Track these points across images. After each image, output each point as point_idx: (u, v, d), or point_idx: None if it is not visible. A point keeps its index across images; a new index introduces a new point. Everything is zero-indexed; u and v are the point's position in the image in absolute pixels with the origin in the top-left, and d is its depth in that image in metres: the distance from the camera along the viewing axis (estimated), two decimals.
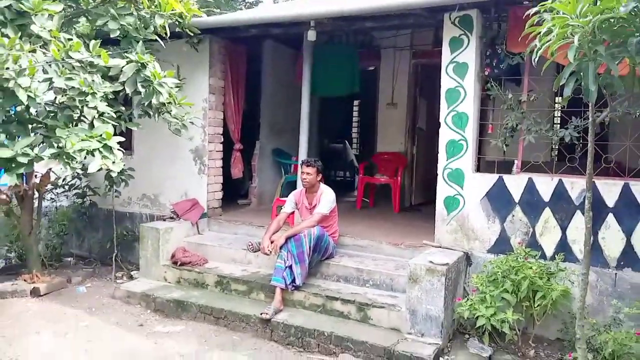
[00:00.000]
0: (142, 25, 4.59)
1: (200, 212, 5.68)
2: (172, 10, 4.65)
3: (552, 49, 2.64)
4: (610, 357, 3.41)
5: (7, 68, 3.44)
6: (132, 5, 4.54)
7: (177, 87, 4.65)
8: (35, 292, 4.90)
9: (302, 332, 3.99)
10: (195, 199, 5.73)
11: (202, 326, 4.36)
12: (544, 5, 2.75)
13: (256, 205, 6.88)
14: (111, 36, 4.46)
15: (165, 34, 4.73)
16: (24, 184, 5.07)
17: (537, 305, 3.72)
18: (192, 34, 5.08)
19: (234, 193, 6.96)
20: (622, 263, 3.84)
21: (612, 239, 3.86)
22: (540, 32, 2.74)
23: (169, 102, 4.64)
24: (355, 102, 9.99)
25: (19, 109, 4.00)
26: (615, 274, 3.85)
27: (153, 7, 4.57)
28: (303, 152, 5.43)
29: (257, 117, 6.97)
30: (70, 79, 3.76)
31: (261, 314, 4.15)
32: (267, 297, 4.50)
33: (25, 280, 5.10)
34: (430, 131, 8.06)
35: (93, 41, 4.05)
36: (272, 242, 4.48)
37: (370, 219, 6.04)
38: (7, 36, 3.64)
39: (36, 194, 5.32)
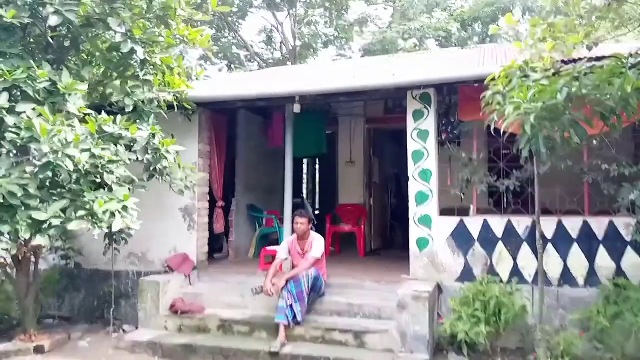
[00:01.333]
0: (153, 101, 5.24)
1: (191, 265, 6.13)
2: (178, 88, 5.37)
3: (508, 123, 3.68)
4: (562, 353, 4.32)
5: (54, 141, 3.94)
6: (145, 86, 5.19)
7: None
8: (38, 350, 5.05)
9: None
10: (186, 254, 6.18)
11: None
12: (495, 88, 3.84)
13: (233, 257, 7.40)
14: (126, 110, 5.05)
15: (167, 107, 5.40)
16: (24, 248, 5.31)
17: (502, 320, 4.60)
18: (188, 107, 5.78)
19: (209, 248, 7.42)
20: (562, 282, 4.87)
21: (553, 263, 4.89)
22: (492, 108, 3.80)
23: (171, 166, 5.24)
24: (308, 161, 10.91)
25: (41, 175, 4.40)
26: (558, 290, 4.86)
27: (162, 85, 5.26)
28: (288, 206, 6.15)
29: (233, 177, 7.62)
30: (104, 149, 4.30)
31: (271, 348, 4.68)
32: (269, 335, 5.03)
33: (22, 340, 5.22)
34: (382, 185, 9.16)
35: (119, 116, 4.63)
36: (273, 285, 5.07)
37: (343, 263, 6.77)
38: (42, 115, 4.15)
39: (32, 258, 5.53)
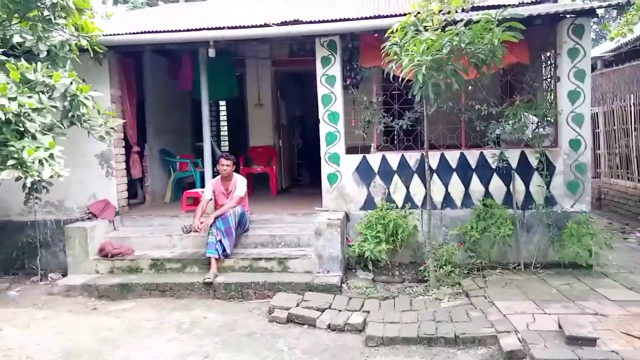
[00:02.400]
0: (67, 46, 5.17)
1: (113, 211, 6.32)
2: (91, 32, 5.32)
3: (404, 71, 4.40)
4: (445, 262, 5.43)
5: None
6: (56, 30, 5.08)
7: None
8: None
9: (240, 286, 5.21)
10: (106, 199, 6.34)
11: (151, 300, 5.23)
12: (393, 40, 4.54)
13: (150, 202, 7.63)
14: (40, 56, 4.96)
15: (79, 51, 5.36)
16: None
17: (399, 239, 5.58)
18: (100, 51, 5.73)
19: None
20: (444, 205, 5.94)
21: (437, 190, 5.92)
22: (391, 58, 4.52)
23: (90, 113, 5.31)
24: (222, 103, 11.02)
25: None
26: (441, 212, 5.93)
27: (76, 30, 5.19)
28: (207, 150, 6.49)
29: (144, 122, 7.67)
30: (30, 97, 4.31)
31: (205, 279, 5.23)
32: (200, 269, 5.55)
33: None
34: (289, 127, 9.73)
35: (39, 63, 4.58)
36: (201, 223, 5.54)
37: (259, 201, 7.34)
38: None
39: None
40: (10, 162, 4.29)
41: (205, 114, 6.59)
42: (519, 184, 5.80)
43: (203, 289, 5.25)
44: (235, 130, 10.24)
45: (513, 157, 5.79)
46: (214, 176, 6.41)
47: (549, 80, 6.60)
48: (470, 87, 5.81)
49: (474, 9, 5.22)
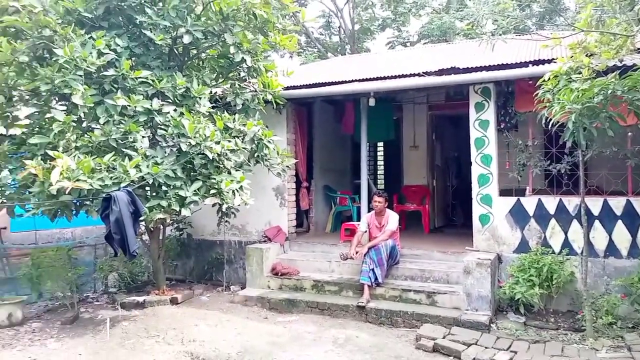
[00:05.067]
0: (256, 99, 6.38)
1: (284, 236, 7.31)
2: (275, 88, 6.49)
3: (555, 119, 4.52)
4: (606, 312, 5.15)
5: (197, 136, 5.13)
6: (248, 87, 6.34)
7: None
8: (173, 301, 6.39)
9: (390, 313, 5.63)
10: (279, 226, 7.37)
11: (311, 316, 5.94)
12: (546, 87, 4.68)
13: (314, 231, 8.54)
14: (237, 108, 6.21)
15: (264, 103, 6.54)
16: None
17: (554, 284, 5.46)
18: (280, 103, 6.85)
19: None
20: (607, 253, 5.64)
21: (599, 237, 5.66)
22: (543, 105, 4.66)
23: (270, 153, 6.36)
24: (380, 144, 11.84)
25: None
26: (604, 261, 5.64)
27: (263, 87, 6.40)
28: (364, 187, 7.16)
29: (311, 160, 8.71)
30: (230, 141, 5.46)
31: (358, 303, 5.78)
32: (354, 293, 6.12)
33: (157, 294, 6.58)
34: (444, 167, 9.99)
35: (236, 115, 5.78)
36: (357, 253, 6.15)
37: (410, 238, 7.72)
38: (182, 114, 5.34)
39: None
40: (212, 191, 5.44)
41: (363, 155, 7.31)
42: None
43: (356, 311, 5.79)
44: (391, 170, 10.84)
45: None
46: (369, 211, 7.01)
47: None
48: (630, 134, 5.56)
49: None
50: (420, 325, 5.39)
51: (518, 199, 6.13)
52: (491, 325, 5.39)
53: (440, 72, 6.56)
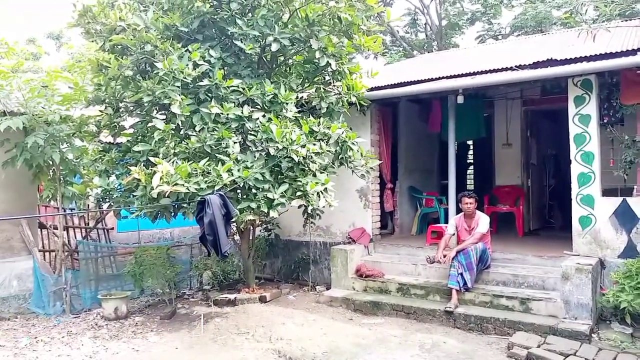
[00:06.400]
0: (340, 102, 6.45)
1: (368, 237, 7.31)
2: (359, 91, 6.51)
3: None
4: None
5: (284, 141, 5.30)
6: (333, 90, 6.43)
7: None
8: (262, 300, 6.65)
9: (479, 320, 5.41)
10: (363, 228, 7.38)
11: (396, 320, 5.88)
12: None
13: (398, 233, 8.44)
14: (321, 111, 6.32)
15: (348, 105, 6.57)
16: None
17: None
18: (364, 104, 6.86)
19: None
20: None
21: None
22: None
23: (354, 155, 6.37)
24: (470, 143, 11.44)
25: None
26: None
27: (348, 89, 6.45)
28: (452, 188, 6.95)
29: (395, 161, 8.61)
30: (314, 144, 5.57)
31: (446, 308, 5.62)
32: (441, 298, 5.97)
33: (247, 292, 6.88)
34: (540, 166, 9.40)
35: (321, 118, 5.88)
36: (444, 256, 5.98)
37: (503, 241, 7.35)
38: (270, 119, 5.53)
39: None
40: (298, 193, 5.58)
41: (451, 154, 7.09)
42: None
43: (444, 316, 5.64)
44: (482, 169, 10.41)
45: None
46: (457, 213, 6.79)
47: None
48: None
49: None
50: (513, 333, 5.13)
51: (624, 199, 5.61)
52: (592, 335, 4.99)
53: (536, 65, 6.17)
